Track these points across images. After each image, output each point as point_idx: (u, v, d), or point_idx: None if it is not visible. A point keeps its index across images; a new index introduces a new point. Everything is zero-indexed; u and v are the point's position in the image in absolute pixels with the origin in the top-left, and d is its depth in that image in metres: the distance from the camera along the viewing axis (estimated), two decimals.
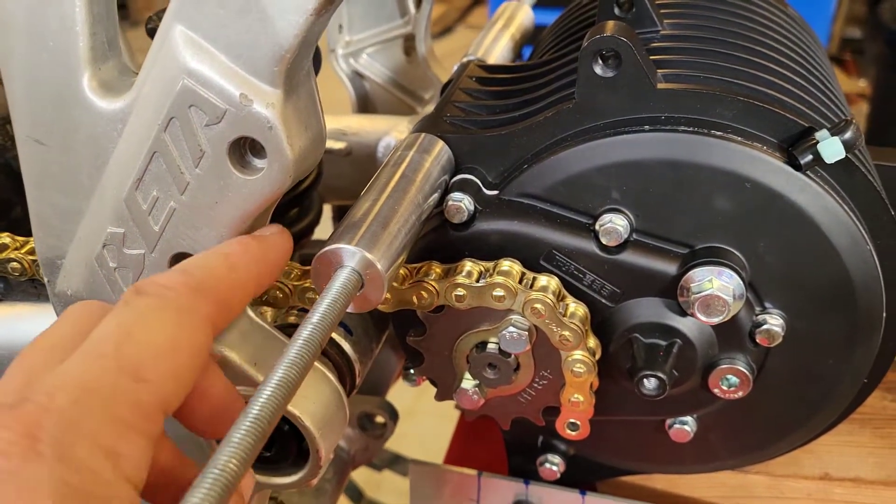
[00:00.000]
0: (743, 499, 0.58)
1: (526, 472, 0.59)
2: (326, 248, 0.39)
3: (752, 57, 0.51)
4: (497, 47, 0.66)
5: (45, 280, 0.44)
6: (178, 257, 0.41)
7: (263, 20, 0.36)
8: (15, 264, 0.54)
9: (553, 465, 0.57)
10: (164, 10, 0.49)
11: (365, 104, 0.80)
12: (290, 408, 0.45)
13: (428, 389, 0.54)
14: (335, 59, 0.79)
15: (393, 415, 0.67)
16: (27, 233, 0.49)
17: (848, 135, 0.43)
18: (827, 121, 0.49)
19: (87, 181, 0.41)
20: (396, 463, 1.17)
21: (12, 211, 0.66)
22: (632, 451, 0.56)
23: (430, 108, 0.76)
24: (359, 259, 0.39)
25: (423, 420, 1.33)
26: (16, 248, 0.55)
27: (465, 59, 0.63)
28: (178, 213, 0.40)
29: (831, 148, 0.42)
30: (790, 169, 0.44)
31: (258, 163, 0.39)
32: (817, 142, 0.43)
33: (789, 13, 0.64)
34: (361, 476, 1.29)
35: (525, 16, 0.73)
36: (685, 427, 0.52)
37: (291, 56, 0.36)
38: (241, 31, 0.36)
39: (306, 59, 0.38)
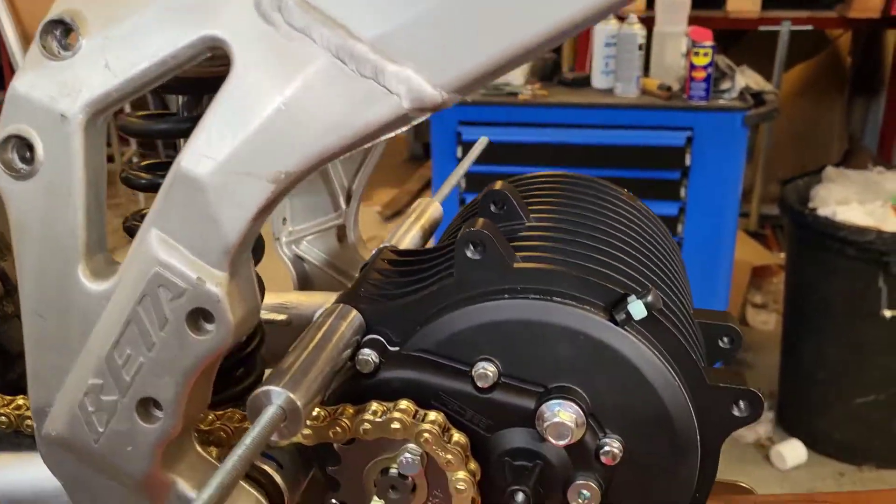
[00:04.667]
0: None
1: None
2: (259, 390, 0.52)
3: (595, 242, 0.68)
4: (408, 237, 0.82)
5: (34, 425, 0.56)
6: (143, 401, 0.53)
7: (216, 225, 0.50)
8: (3, 418, 0.65)
9: None
10: (138, 212, 0.65)
11: (304, 282, 0.95)
12: None
13: None
14: (279, 246, 0.94)
15: None
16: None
17: (649, 299, 0.58)
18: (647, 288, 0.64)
19: (75, 345, 0.54)
20: None
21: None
22: None
23: None
24: (283, 398, 0.52)
25: None
26: (4, 405, 0.66)
27: (381, 246, 0.78)
28: (145, 367, 0.52)
29: (637, 308, 0.58)
30: (612, 325, 0.59)
31: (208, 327, 0.52)
32: (629, 304, 0.58)
33: (637, 206, 0.82)
34: None
35: (434, 210, 0.90)
36: None
37: (235, 248, 0.51)
38: (199, 232, 0.50)
39: (246, 251, 0.53)
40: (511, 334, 0.60)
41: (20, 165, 0.52)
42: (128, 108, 0.85)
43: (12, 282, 0.84)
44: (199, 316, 0.52)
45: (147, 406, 0.53)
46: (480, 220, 0.62)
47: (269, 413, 0.51)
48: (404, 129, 0.53)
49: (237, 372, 0.76)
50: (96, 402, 0.54)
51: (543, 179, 0.81)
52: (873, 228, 2.73)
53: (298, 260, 0.94)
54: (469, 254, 0.61)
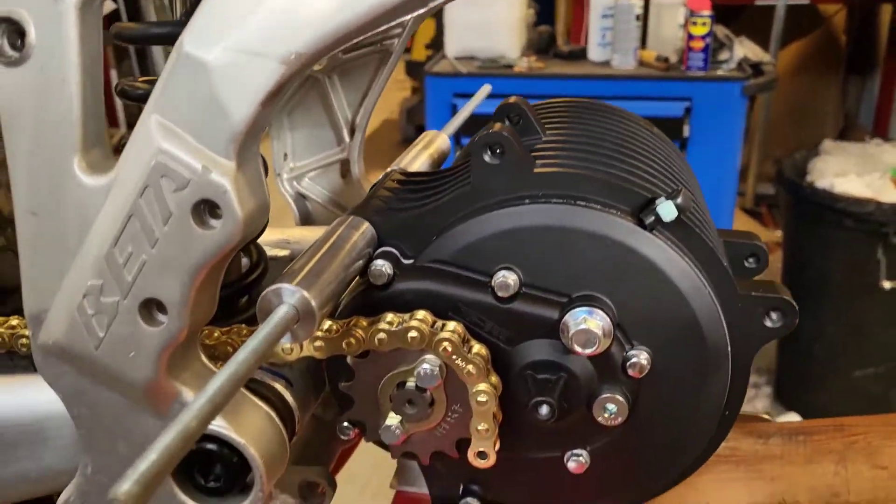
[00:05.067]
0: None
1: None
2: (269, 289, 0.49)
3: (615, 153, 0.64)
4: (416, 163, 0.79)
5: (30, 333, 0.53)
6: (147, 303, 0.50)
7: (222, 109, 0.47)
8: None
9: None
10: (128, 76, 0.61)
11: (307, 221, 0.92)
12: (239, 438, 0.53)
13: None
14: (281, 183, 0.90)
15: (332, 484, 0.73)
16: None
17: (679, 199, 0.55)
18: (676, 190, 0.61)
19: (72, 244, 0.50)
20: None
21: None
22: (538, 494, 0.64)
23: None
24: (297, 297, 0.49)
25: None
26: None
27: (389, 169, 0.75)
28: (148, 265, 0.49)
29: (667, 209, 0.55)
30: (639, 229, 0.56)
31: (214, 222, 0.48)
32: (657, 206, 0.55)
33: (655, 131, 0.79)
34: None
35: (442, 141, 0.86)
36: (580, 459, 0.60)
37: (243, 136, 0.47)
38: (203, 117, 0.47)
39: (255, 141, 0.49)
40: (532, 241, 0.57)
41: (10, 52, 0.49)
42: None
43: (5, 216, 0.81)
44: (205, 208, 0.48)
45: (150, 308, 0.50)
46: (498, 125, 0.59)
47: (282, 312, 0.47)
48: (421, 11, 0.50)
49: (241, 300, 0.72)
50: (96, 304, 0.50)
51: (557, 103, 0.77)
52: (872, 200, 2.71)
53: (301, 198, 0.91)
54: (487, 158, 0.57)
